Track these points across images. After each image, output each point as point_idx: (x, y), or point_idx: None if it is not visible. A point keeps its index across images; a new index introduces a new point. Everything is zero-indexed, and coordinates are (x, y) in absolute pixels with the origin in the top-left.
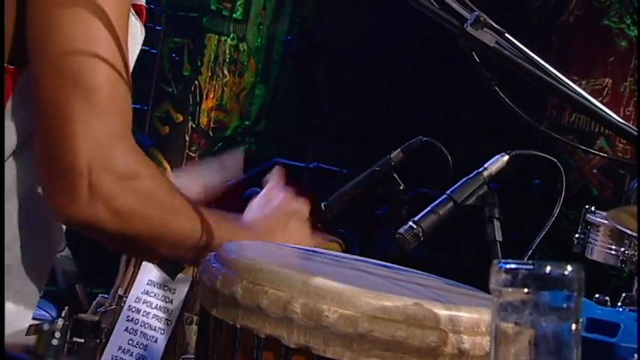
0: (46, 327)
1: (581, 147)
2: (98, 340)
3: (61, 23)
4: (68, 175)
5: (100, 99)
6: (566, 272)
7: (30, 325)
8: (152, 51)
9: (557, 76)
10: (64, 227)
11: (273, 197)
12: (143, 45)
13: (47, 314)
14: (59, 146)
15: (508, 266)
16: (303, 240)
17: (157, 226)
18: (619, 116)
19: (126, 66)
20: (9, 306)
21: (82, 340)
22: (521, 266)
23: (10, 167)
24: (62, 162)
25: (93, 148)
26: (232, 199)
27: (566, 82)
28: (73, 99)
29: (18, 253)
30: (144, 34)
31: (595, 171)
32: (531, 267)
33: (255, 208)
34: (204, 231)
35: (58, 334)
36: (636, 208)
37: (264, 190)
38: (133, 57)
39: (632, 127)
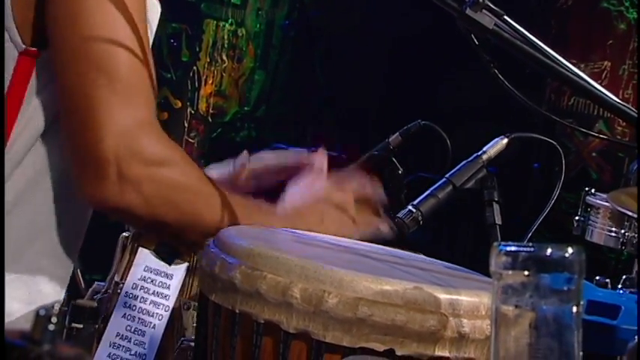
0: (42, 312)
1: (581, 129)
2: (96, 326)
3: (83, 12)
4: (96, 162)
5: (124, 86)
6: (566, 254)
7: None
8: None
9: (556, 58)
10: None
11: (312, 184)
12: None
13: None
14: (85, 134)
15: (508, 249)
16: (342, 231)
17: (187, 213)
18: (618, 99)
19: (146, 52)
20: (44, 288)
21: (81, 326)
22: (521, 248)
23: (40, 150)
24: (89, 150)
25: (119, 135)
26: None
27: (565, 65)
28: (97, 86)
29: (53, 238)
30: (159, 10)
31: (594, 154)
32: (532, 249)
33: (292, 195)
34: (236, 219)
35: (54, 319)
36: (637, 190)
37: (304, 176)
38: (151, 36)
39: (632, 108)
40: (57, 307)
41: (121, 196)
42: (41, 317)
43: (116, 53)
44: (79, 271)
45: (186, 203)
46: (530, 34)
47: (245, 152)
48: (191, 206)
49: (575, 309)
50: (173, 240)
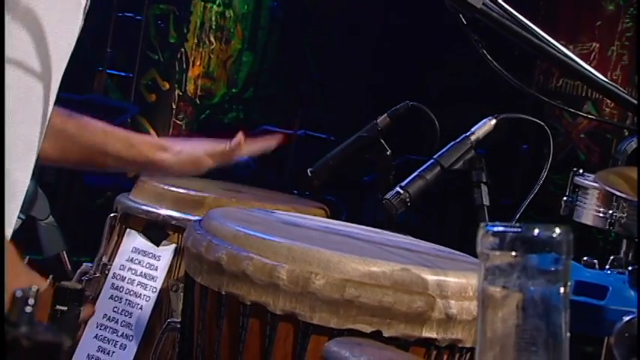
0: (19, 294)
1: (570, 109)
2: (82, 308)
3: None
4: None
5: None
6: (554, 235)
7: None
8: (137, 17)
9: (545, 38)
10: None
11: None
12: (128, 11)
13: None
14: None
15: (496, 229)
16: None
17: None
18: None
19: None
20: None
21: (66, 308)
22: (508, 229)
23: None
24: None
25: None
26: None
27: (555, 45)
28: None
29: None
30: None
31: (582, 136)
32: (519, 230)
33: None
34: None
35: (31, 301)
36: (626, 170)
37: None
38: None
39: (621, 89)
40: (34, 289)
41: None
42: (18, 299)
43: None
44: (65, 253)
45: None
46: (519, 14)
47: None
48: None
49: (562, 289)
50: None
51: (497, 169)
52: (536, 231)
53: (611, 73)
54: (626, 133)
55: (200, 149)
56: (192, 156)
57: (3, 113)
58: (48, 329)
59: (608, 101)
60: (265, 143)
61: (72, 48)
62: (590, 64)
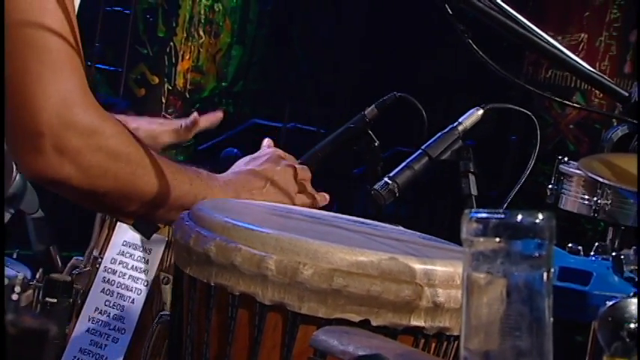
0: (5, 282)
1: (558, 99)
2: (71, 300)
3: None
4: (32, 135)
5: (53, 58)
6: (537, 220)
7: None
8: (126, 12)
9: (532, 29)
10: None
11: (257, 157)
12: (116, 6)
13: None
14: (19, 107)
15: (479, 216)
16: (280, 202)
17: (125, 182)
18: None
19: (74, 31)
20: None
21: (55, 300)
22: (492, 215)
23: None
24: (24, 123)
25: (52, 107)
26: (209, 160)
27: (542, 36)
28: (28, 61)
29: None
30: None
31: (571, 126)
32: (502, 216)
33: (238, 165)
34: (176, 188)
35: (17, 289)
36: (609, 156)
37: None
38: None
39: (609, 79)
40: (20, 277)
41: (59, 168)
42: (5, 287)
43: (45, 32)
44: (54, 247)
45: (124, 172)
46: (507, 5)
47: (195, 113)
48: (129, 175)
49: (545, 275)
50: (110, 211)
51: (486, 160)
52: (520, 217)
53: (600, 64)
54: (615, 123)
55: (156, 126)
56: (149, 132)
57: (3, 111)
58: (34, 317)
59: (597, 92)
60: (210, 119)
61: None
62: (578, 55)
